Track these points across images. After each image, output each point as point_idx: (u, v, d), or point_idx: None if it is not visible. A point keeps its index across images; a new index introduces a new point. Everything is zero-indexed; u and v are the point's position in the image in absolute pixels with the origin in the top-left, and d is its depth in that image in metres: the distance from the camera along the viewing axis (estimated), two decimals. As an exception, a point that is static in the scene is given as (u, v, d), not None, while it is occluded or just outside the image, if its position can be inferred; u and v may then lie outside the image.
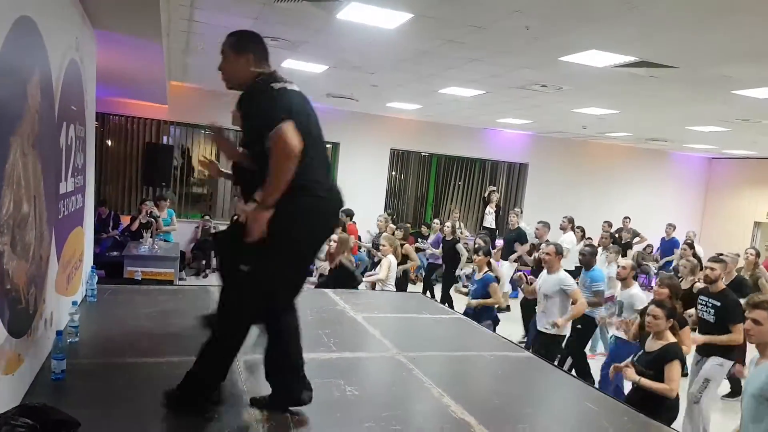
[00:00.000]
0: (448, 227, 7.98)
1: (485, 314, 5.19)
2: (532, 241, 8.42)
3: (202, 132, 10.08)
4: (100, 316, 3.35)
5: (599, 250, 6.82)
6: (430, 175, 11.75)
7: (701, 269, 5.64)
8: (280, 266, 2.08)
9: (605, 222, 9.92)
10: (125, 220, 8.58)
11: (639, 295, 4.69)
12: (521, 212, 9.56)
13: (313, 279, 7.07)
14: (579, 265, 7.44)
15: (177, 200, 9.76)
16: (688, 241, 8.23)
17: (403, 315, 4.38)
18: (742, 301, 4.25)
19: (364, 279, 5.87)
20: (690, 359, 4.39)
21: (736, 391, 5.46)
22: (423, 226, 10.50)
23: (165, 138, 9.64)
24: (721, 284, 4.36)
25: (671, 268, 8.52)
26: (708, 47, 4.27)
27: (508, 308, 7.94)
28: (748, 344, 5.46)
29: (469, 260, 7.88)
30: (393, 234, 7.09)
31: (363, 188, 9.73)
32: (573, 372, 5.21)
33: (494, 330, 5.23)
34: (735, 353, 4.30)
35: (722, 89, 5.62)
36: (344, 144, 10.19)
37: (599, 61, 4.92)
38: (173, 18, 4.66)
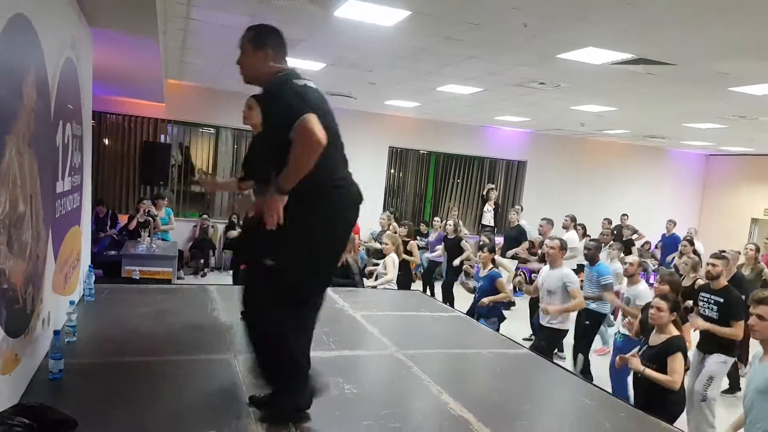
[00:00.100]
0: (450, 225, 7.96)
1: (493, 311, 5.20)
2: (531, 238, 8.45)
3: (199, 130, 10.07)
4: (97, 315, 3.35)
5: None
6: (429, 173, 11.74)
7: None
8: (306, 260, 2.08)
9: (605, 219, 9.93)
10: (123, 219, 8.56)
11: (645, 292, 4.70)
12: (522, 209, 9.56)
13: None
14: (581, 263, 7.50)
15: (175, 199, 9.75)
16: (688, 238, 8.24)
17: (402, 313, 4.38)
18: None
19: (374, 284, 5.81)
20: (690, 355, 4.39)
21: (733, 387, 5.48)
22: (422, 224, 10.50)
23: (162, 136, 9.61)
24: (724, 281, 4.36)
25: (672, 265, 8.53)
26: (705, 44, 4.27)
27: (513, 303, 7.94)
28: (751, 340, 5.51)
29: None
30: (396, 232, 7.08)
31: (361, 186, 9.67)
32: (579, 367, 5.25)
33: (498, 327, 5.26)
34: (736, 350, 4.31)
35: (719, 86, 5.62)
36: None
37: (597, 59, 4.92)
38: (170, 16, 4.65)
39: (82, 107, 3.54)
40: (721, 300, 4.23)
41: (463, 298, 6.81)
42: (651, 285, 5.92)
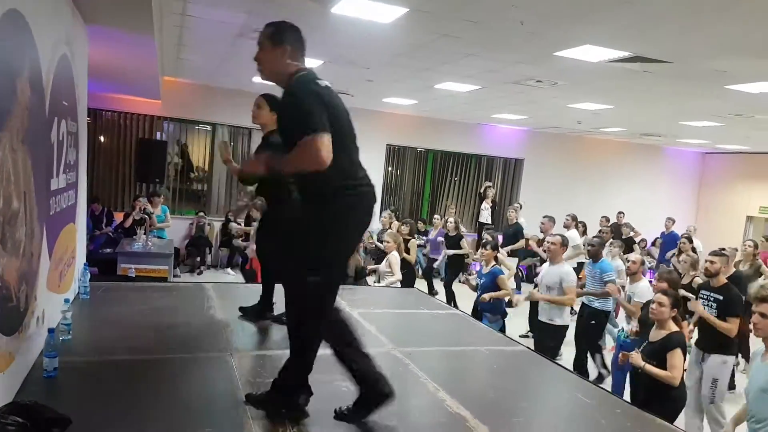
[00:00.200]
0: (451, 223, 7.96)
1: (497, 308, 5.21)
2: (528, 236, 8.46)
3: (196, 128, 10.03)
4: (93, 313, 3.33)
5: None
6: (427, 171, 11.74)
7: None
8: (332, 264, 2.15)
9: (603, 217, 9.95)
10: (119, 216, 8.53)
11: (647, 289, 4.73)
12: (520, 207, 9.57)
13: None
14: (582, 261, 7.53)
15: (171, 196, 9.72)
16: (687, 235, 8.25)
17: (399, 310, 4.38)
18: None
19: (381, 284, 5.81)
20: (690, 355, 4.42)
21: (731, 385, 5.51)
22: (420, 222, 10.49)
23: (158, 134, 9.58)
24: (723, 278, 4.37)
25: (671, 264, 8.55)
26: (702, 42, 4.28)
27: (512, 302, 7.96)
28: (751, 337, 5.53)
29: (461, 257, 7.89)
30: (398, 230, 7.07)
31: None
32: (601, 364, 5.29)
33: (504, 324, 5.28)
34: (734, 348, 4.32)
35: (716, 84, 5.63)
36: (339, 140, 10.13)
37: (593, 56, 4.92)
38: (165, 12, 4.62)
39: (78, 104, 3.52)
40: (720, 297, 4.24)
41: (466, 297, 6.81)
42: (649, 283, 5.93)
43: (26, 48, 2.18)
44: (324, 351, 2.69)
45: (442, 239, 8.10)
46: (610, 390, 4.24)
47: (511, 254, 7.96)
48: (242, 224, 8.58)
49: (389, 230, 6.93)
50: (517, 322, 6.43)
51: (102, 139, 9.29)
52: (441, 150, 11.53)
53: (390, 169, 11.36)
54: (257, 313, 3.43)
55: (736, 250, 6.54)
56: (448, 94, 7.68)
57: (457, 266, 7.87)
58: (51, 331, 2.35)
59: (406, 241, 6.87)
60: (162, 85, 8.22)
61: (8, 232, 1.94)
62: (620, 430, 2.48)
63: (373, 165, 10.62)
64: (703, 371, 4.25)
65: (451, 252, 7.74)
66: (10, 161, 1.93)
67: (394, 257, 5.74)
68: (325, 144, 1.92)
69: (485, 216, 10.38)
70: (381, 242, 6.47)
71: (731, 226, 12.31)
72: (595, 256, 5.42)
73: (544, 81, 6.29)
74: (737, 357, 5.49)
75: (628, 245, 9.11)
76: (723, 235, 11.32)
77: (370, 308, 4.07)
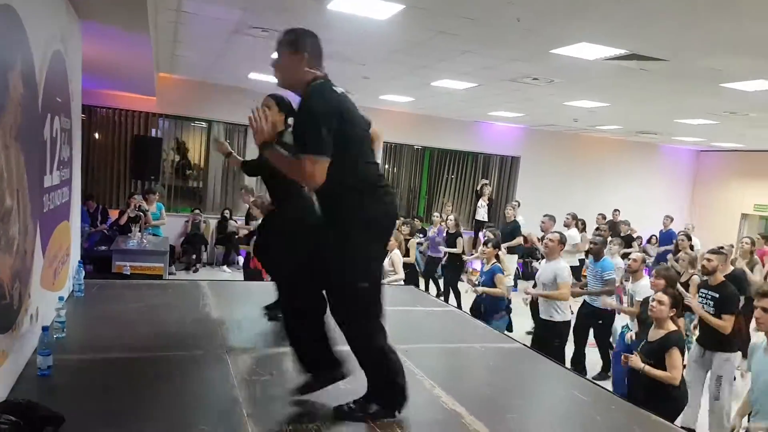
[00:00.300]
0: (451, 220, 7.95)
1: (500, 305, 5.21)
2: (525, 234, 8.47)
3: (191, 124, 9.99)
4: (87, 311, 3.32)
5: None
6: (423, 169, 11.74)
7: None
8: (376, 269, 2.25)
9: (599, 215, 9.97)
10: (113, 214, 8.49)
11: (648, 287, 4.73)
12: (518, 205, 9.58)
13: None
14: (582, 258, 7.54)
15: (166, 194, 9.68)
16: (685, 233, 8.26)
17: (396, 308, 4.35)
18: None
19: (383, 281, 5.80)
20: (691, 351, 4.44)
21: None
22: (416, 220, 10.49)
23: (154, 130, 9.53)
24: (720, 276, 4.39)
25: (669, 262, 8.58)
26: (698, 40, 4.28)
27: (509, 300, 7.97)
28: (751, 334, 5.57)
29: (456, 255, 7.88)
30: (398, 229, 7.07)
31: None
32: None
33: (510, 320, 5.28)
34: (736, 345, 4.34)
35: (711, 82, 5.64)
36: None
37: (590, 54, 4.92)
38: (160, 8, 4.59)
39: (71, 100, 3.50)
40: (717, 295, 4.27)
41: (469, 296, 6.80)
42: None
43: (19, 43, 2.16)
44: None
45: (443, 237, 8.09)
46: (610, 386, 4.28)
47: (509, 251, 7.97)
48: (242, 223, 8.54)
49: None
50: (522, 319, 6.44)
51: (97, 136, 9.24)
52: (438, 147, 11.53)
53: (386, 166, 11.34)
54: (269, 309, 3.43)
55: (732, 246, 6.56)
56: (444, 91, 7.67)
57: (456, 265, 7.88)
58: (45, 329, 2.34)
59: (406, 241, 6.86)
60: (157, 82, 8.18)
61: (1, 229, 1.93)
62: (615, 427, 2.49)
63: (370, 162, 10.61)
64: (706, 369, 4.29)
65: (451, 250, 7.72)
66: (2, 158, 1.92)
67: (397, 255, 5.74)
68: (318, 168, 1.98)
69: (482, 213, 10.39)
70: None
71: (726, 224, 12.36)
72: (597, 254, 5.42)
73: (541, 78, 6.28)
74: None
75: (628, 243, 9.14)
76: (718, 232, 11.37)
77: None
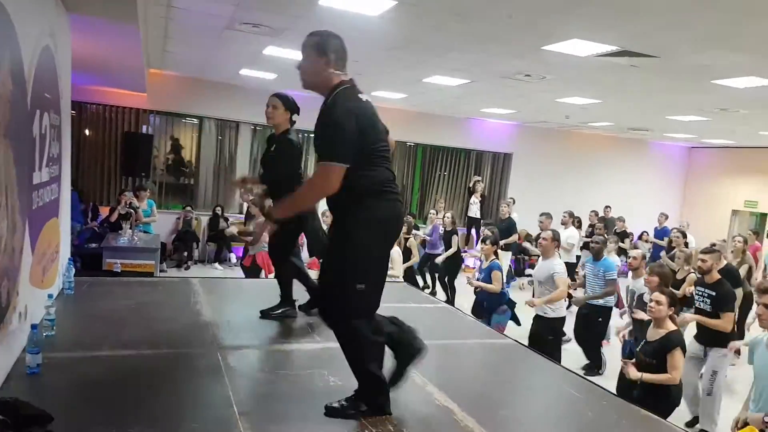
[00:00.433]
0: (448, 218, 7.94)
1: (500, 300, 5.22)
2: (519, 231, 8.49)
3: (182, 121, 9.92)
4: (77, 309, 3.29)
5: None
6: (416, 165, 11.73)
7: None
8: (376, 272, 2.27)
9: (592, 212, 10.01)
10: (104, 211, 8.42)
11: None
12: (513, 202, 9.59)
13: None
14: (578, 254, 7.56)
15: (157, 190, 9.61)
16: (679, 230, 8.30)
17: (388, 304, 4.35)
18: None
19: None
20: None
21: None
22: (409, 216, 10.49)
23: (144, 127, 9.46)
24: (716, 274, 4.43)
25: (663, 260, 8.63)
26: (688, 36, 4.31)
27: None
28: (746, 331, 5.63)
29: (454, 252, 7.90)
30: None
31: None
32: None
33: (514, 315, 5.29)
34: (731, 340, 4.39)
35: (702, 79, 5.68)
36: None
37: (581, 51, 4.93)
38: (150, 2, 4.54)
39: (61, 97, 3.46)
40: (713, 293, 4.31)
41: (468, 294, 6.80)
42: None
43: (7, 39, 2.13)
44: (310, 345, 2.67)
45: (439, 235, 8.08)
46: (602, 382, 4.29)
47: (504, 248, 7.99)
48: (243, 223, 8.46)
49: None
50: (524, 317, 6.46)
51: (87, 132, 9.15)
52: (430, 144, 11.52)
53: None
54: (307, 306, 3.45)
55: (725, 242, 6.61)
56: (436, 87, 7.66)
57: (454, 263, 7.88)
58: (34, 326, 2.32)
59: (405, 240, 6.84)
60: (148, 78, 8.11)
61: (-12, 226, 1.90)
62: (607, 422, 2.51)
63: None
64: (703, 365, 4.33)
65: (450, 252, 7.71)
66: (-11, 154, 1.89)
67: (396, 252, 5.75)
68: (335, 175, 2.01)
69: (474, 210, 10.41)
70: None
71: (717, 220, 12.48)
72: (597, 254, 5.43)
73: (533, 75, 6.30)
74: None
75: (622, 239, 9.20)
76: (708, 228, 11.47)
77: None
